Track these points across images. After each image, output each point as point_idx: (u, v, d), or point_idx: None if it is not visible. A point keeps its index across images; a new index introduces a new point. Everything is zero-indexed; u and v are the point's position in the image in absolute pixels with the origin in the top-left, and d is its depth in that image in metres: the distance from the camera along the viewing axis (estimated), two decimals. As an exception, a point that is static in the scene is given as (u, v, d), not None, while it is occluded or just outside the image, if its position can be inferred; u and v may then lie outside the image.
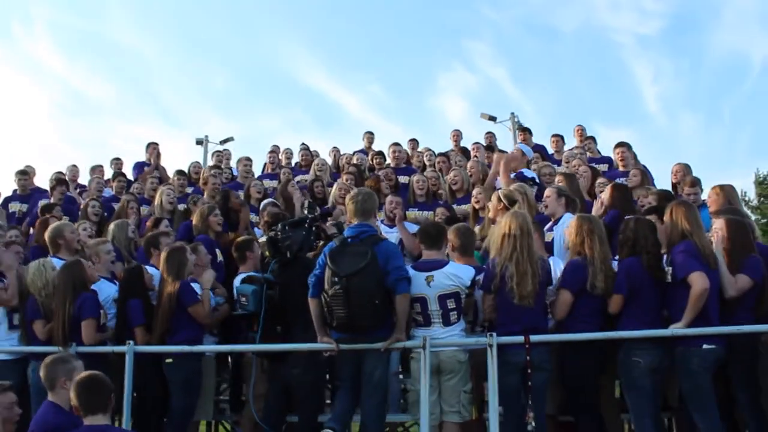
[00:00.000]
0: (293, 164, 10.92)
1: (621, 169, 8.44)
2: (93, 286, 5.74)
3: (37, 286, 5.76)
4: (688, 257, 4.69)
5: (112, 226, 7.23)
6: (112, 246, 6.44)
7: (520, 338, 4.85)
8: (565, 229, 5.45)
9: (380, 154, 10.57)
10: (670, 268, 4.81)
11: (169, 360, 5.54)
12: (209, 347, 5.97)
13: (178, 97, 51.82)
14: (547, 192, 6.32)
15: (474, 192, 7.51)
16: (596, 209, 6.39)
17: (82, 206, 8.47)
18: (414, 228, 7.23)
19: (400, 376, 6.30)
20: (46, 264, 5.88)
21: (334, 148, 11.58)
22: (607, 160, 9.69)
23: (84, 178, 10.90)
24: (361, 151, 11.35)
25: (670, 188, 7.59)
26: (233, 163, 11.13)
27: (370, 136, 11.94)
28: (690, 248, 4.74)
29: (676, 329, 4.70)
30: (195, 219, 7.04)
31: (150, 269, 6.07)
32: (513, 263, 4.90)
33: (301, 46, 51.35)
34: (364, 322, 4.86)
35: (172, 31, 51.64)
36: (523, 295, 4.87)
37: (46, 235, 6.54)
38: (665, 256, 5.00)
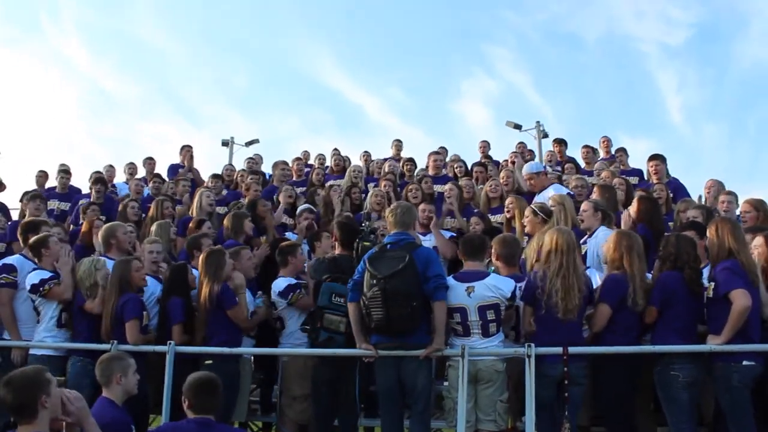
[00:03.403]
0: (326, 169, 11.00)
1: (655, 182, 8.42)
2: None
3: (86, 284, 5.89)
4: (731, 275, 4.71)
5: (154, 226, 7.37)
6: (159, 246, 6.56)
7: (559, 349, 4.90)
8: (603, 243, 5.48)
9: (411, 161, 10.64)
10: (712, 284, 4.83)
11: (208, 361, 5.59)
12: (252, 350, 6.10)
13: (200, 97, 52.02)
14: (584, 206, 6.34)
15: (507, 201, 7.57)
16: (625, 222, 6.38)
17: (120, 207, 8.60)
18: (447, 235, 7.34)
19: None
20: (97, 263, 6.00)
21: (365, 152, 11.68)
22: (638, 172, 9.68)
23: (120, 178, 11.10)
24: (392, 158, 11.41)
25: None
26: (264, 167, 11.28)
27: (398, 144, 12.02)
28: (735, 266, 4.76)
29: (714, 345, 4.72)
30: (226, 223, 7.20)
31: (193, 271, 6.16)
32: (560, 278, 4.96)
33: (322, 47, 51.37)
34: (402, 325, 4.94)
35: (195, 31, 51.84)
36: (569, 309, 4.95)
37: (100, 234, 6.69)
38: (705, 271, 5.03)
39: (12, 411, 3.46)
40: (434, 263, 5.12)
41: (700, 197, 8.08)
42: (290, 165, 10.76)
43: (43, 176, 10.80)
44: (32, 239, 6.22)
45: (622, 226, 6.15)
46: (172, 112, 50.43)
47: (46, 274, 5.98)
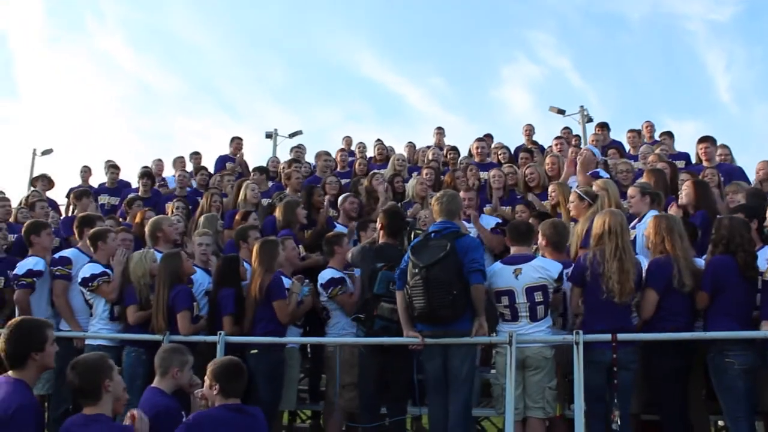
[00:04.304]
0: (368, 158, 10.99)
1: (705, 164, 8.19)
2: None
3: (137, 275, 6.01)
4: None
5: (202, 219, 7.50)
6: (209, 239, 6.67)
7: (607, 336, 4.84)
8: (645, 230, 5.40)
9: (454, 149, 10.57)
10: (768, 268, 4.71)
11: (253, 350, 5.67)
12: (299, 339, 6.20)
13: (239, 91, 52.85)
14: (631, 191, 6.22)
15: (549, 189, 7.49)
16: (674, 209, 6.25)
17: (168, 207, 8.74)
18: (492, 221, 7.25)
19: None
20: (148, 255, 6.13)
21: (410, 143, 11.65)
22: (685, 156, 9.44)
23: (168, 171, 11.28)
24: (434, 146, 11.30)
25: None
26: (308, 158, 11.32)
27: (440, 132, 11.93)
28: None
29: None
30: (279, 213, 7.25)
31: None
32: (616, 260, 4.90)
33: (360, 38, 51.72)
34: (443, 312, 4.95)
35: (232, 25, 52.73)
36: (624, 292, 4.88)
37: (147, 228, 6.84)
38: (761, 254, 4.91)
39: (78, 393, 3.71)
40: (474, 250, 5.10)
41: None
42: (333, 156, 10.79)
43: (87, 172, 11.07)
44: (92, 230, 6.38)
45: (671, 212, 6.01)
46: (213, 108, 51.30)
47: (98, 269, 6.14)
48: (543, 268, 5.12)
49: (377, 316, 5.46)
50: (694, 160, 8.98)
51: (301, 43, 52.65)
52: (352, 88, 52.95)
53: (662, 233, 5.07)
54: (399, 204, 8.05)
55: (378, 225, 6.12)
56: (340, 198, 8.01)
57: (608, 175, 7.53)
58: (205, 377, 4.20)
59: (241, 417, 4.09)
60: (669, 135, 10.33)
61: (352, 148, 11.72)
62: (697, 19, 45.99)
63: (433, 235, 5.20)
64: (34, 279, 6.27)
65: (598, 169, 7.74)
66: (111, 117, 52.12)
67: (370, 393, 5.70)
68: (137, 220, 7.73)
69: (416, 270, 4.97)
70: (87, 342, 6.09)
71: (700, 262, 5.16)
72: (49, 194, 10.39)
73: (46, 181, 10.58)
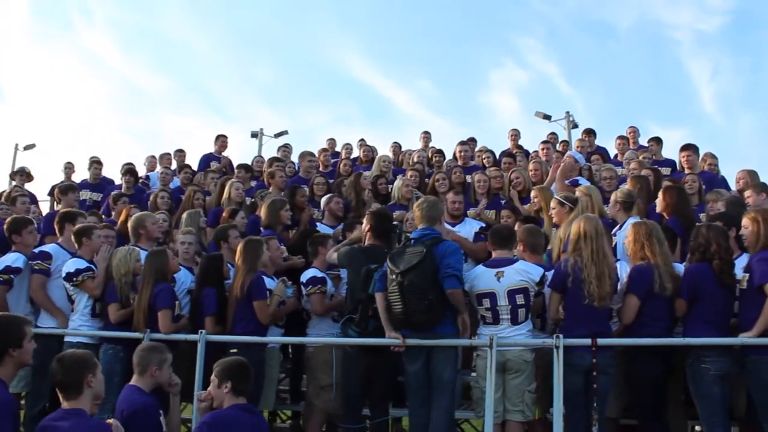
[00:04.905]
0: (353, 159, 10.99)
1: (687, 172, 8.25)
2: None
3: (120, 272, 5.95)
4: None
5: (184, 215, 7.47)
6: (192, 237, 6.64)
7: (587, 341, 4.88)
8: (625, 238, 5.45)
9: (440, 152, 10.61)
10: (746, 275, 4.78)
11: (233, 350, 5.57)
12: (280, 339, 6.19)
13: (228, 91, 52.65)
14: (611, 197, 6.32)
15: (532, 194, 7.53)
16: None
17: (151, 198, 8.73)
18: (475, 225, 7.26)
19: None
20: (133, 253, 6.06)
21: (395, 143, 11.67)
22: (671, 163, 9.54)
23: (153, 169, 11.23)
24: (421, 150, 11.35)
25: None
26: (294, 158, 11.25)
27: (426, 136, 12.03)
28: None
29: (746, 338, 4.65)
30: (263, 213, 7.22)
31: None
32: (593, 264, 4.94)
33: (349, 40, 51.69)
34: (419, 318, 5.00)
35: (221, 25, 52.45)
36: (603, 296, 4.92)
37: (129, 225, 6.80)
38: (738, 263, 4.97)
39: (60, 386, 3.74)
40: (449, 255, 5.12)
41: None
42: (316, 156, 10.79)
43: (70, 168, 11.00)
44: (78, 226, 6.34)
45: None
46: (201, 106, 51.06)
47: (83, 264, 6.10)
48: (525, 271, 5.16)
49: (372, 316, 5.42)
50: (679, 167, 9.04)
51: (292, 44, 52.59)
52: (340, 90, 53.01)
53: (641, 239, 5.12)
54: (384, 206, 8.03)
55: (365, 226, 6.06)
56: (325, 198, 7.97)
57: (588, 183, 7.59)
58: (212, 377, 4.23)
59: (250, 416, 4.17)
60: (657, 141, 10.39)
61: (337, 149, 11.73)
62: (684, 28, 46.45)
63: (412, 241, 5.26)
64: (12, 276, 6.21)
65: (577, 178, 7.80)
66: (98, 115, 51.77)
67: (355, 393, 5.67)
68: (122, 217, 7.68)
69: (393, 276, 5.03)
70: (66, 339, 6.03)
71: (680, 267, 5.21)
72: (29, 187, 10.32)
73: (25, 175, 10.51)
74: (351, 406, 5.68)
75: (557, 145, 11.01)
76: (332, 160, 10.91)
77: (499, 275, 5.13)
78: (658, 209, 6.33)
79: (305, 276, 6.14)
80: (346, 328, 5.53)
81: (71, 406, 3.66)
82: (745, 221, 4.97)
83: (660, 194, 6.39)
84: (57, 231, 6.70)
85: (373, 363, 5.53)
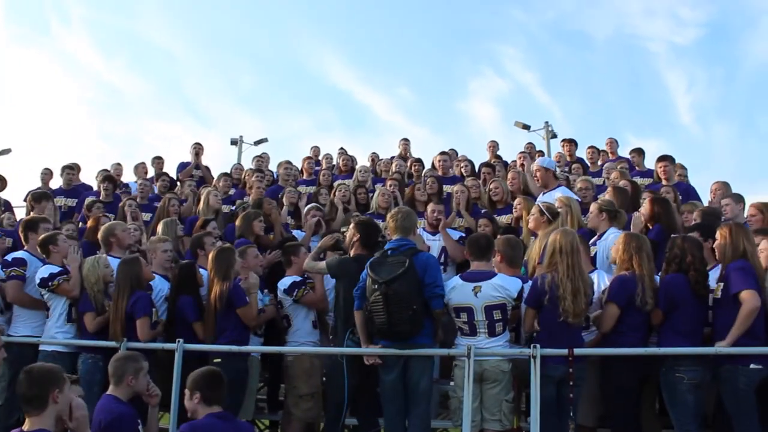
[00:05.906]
0: (333, 168, 11.02)
1: (664, 183, 8.36)
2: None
3: (90, 281, 5.92)
4: (744, 275, 4.71)
5: (161, 225, 7.41)
6: (170, 245, 6.60)
7: (564, 351, 4.91)
8: (612, 246, 5.49)
9: (419, 161, 10.63)
10: (720, 285, 4.85)
11: (217, 359, 5.57)
12: (261, 348, 6.17)
13: (208, 96, 52.41)
14: (591, 207, 6.38)
15: (515, 202, 7.58)
16: (635, 224, 6.31)
17: (120, 205, 8.63)
18: (455, 235, 7.32)
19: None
20: (100, 260, 6.05)
21: (373, 153, 11.69)
22: (652, 174, 9.60)
23: (128, 176, 11.14)
24: (399, 157, 11.38)
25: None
26: (272, 166, 11.26)
27: (405, 143, 12.03)
28: (747, 266, 4.77)
29: (721, 347, 4.71)
30: (238, 222, 7.26)
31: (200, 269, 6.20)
32: (569, 280, 4.96)
33: (328, 47, 51.68)
34: (403, 328, 4.99)
35: (203, 31, 52.31)
36: (577, 313, 4.95)
37: (99, 234, 6.73)
38: (712, 274, 5.04)
39: (24, 400, 3.55)
40: (432, 269, 5.16)
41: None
42: (300, 164, 10.77)
43: (48, 174, 10.79)
44: (42, 237, 6.28)
45: (632, 228, 6.13)
46: (181, 112, 50.75)
47: (56, 269, 6.05)
48: (502, 287, 5.10)
49: None
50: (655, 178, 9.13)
51: (272, 51, 52.53)
52: (320, 97, 52.99)
53: (631, 251, 5.15)
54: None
55: (353, 236, 5.99)
56: (305, 208, 8.03)
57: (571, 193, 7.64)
58: (185, 389, 4.20)
59: (225, 423, 4.12)
60: (639, 152, 10.43)
61: (320, 157, 11.73)
62: (659, 40, 47.09)
63: (390, 252, 5.24)
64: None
65: (561, 187, 7.79)
66: (76, 119, 51.24)
67: (340, 403, 5.62)
68: (90, 224, 7.62)
69: (375, 286, 5.00)
70: (41, 348, 5.98)
71: (656, 278, 5.27)
72: (4, 194, 10.12)
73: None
74: (335, 416, 5.65)
75: (535, 155, 11.07)
76: (316, 168, 10.90)
77: (476, 290, 5.09)
78: (644, 220, 6.36)
79: (285, 284, 6.11)
80: (347, 339, 5.54)
81: (32, 424, 3.45)
82: (718, 233, 5.06)
83: (646, 204, 6.47)
84: (22, 240, 6.64)
85: (364, 374, 5.50)
